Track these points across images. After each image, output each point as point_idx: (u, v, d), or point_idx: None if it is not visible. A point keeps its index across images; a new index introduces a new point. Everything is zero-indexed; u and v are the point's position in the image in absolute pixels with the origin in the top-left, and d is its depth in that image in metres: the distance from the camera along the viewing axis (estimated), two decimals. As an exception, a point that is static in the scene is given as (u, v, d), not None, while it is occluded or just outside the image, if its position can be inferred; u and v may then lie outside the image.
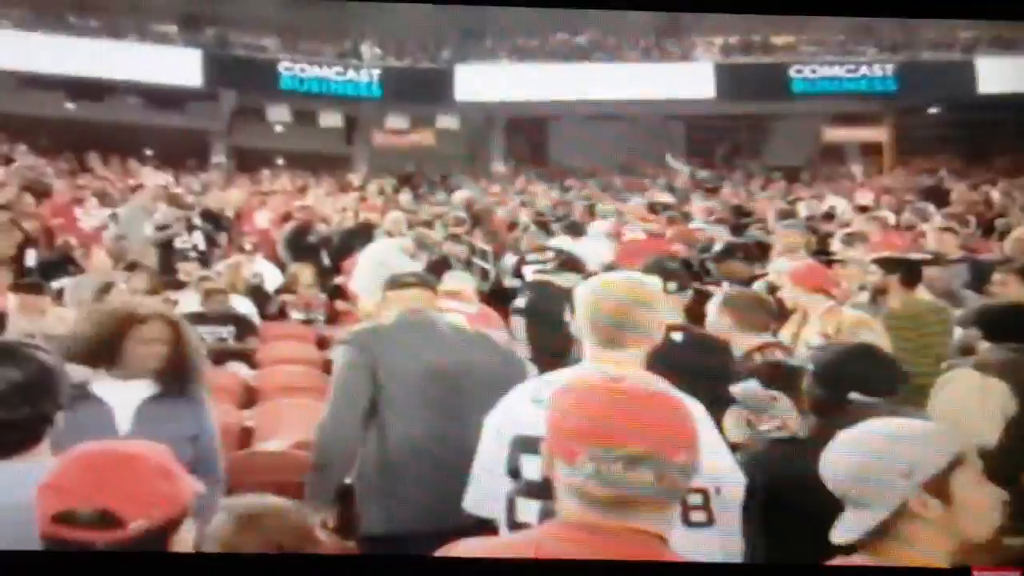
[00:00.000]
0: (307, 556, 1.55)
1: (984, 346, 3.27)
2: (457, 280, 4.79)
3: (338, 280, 7.70)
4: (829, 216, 9.42)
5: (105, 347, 2.56)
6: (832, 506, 1.68)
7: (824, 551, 1.67)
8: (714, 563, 1.37)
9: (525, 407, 2.13)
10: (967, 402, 3.02)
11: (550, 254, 7.53)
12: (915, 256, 5.17)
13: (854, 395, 2.29)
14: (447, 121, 18.45)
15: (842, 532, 1.63)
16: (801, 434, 2.36)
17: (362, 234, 8.54)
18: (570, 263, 5.35)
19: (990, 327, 3.30)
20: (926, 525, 1.58)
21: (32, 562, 1.47)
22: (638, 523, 1.33)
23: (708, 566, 1.37)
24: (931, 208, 8.97)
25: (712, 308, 3.55)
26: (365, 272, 6.51)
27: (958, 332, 3.69)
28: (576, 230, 8.41)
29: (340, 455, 2.94)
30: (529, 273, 5.97)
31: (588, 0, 9.13)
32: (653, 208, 9.97)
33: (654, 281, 2.28)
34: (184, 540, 1.48)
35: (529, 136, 19.91)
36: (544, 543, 1.37)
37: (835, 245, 6.30)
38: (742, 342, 3.40)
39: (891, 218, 8.75)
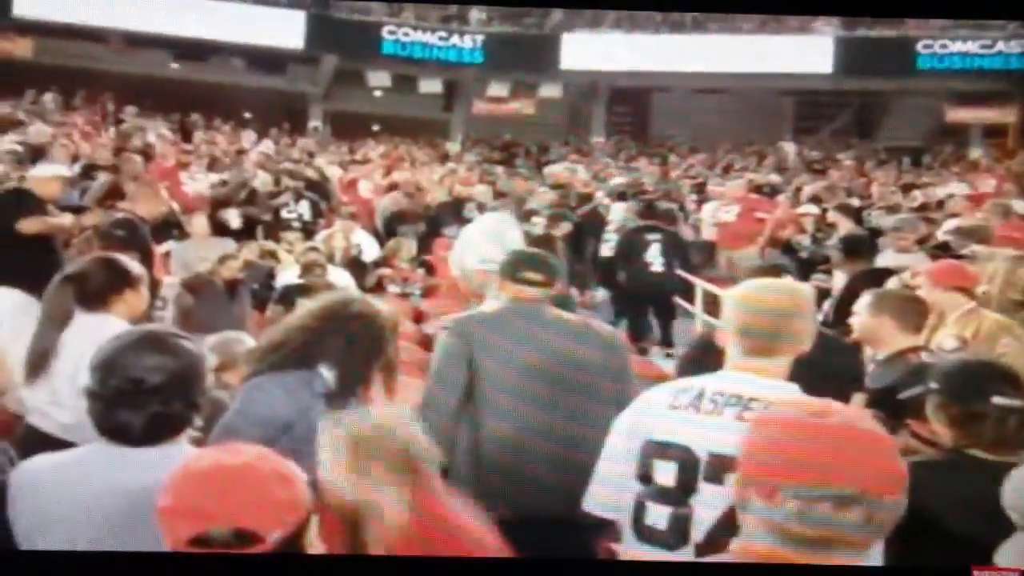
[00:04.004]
0: (308, 557, 1.52)
1: None
2: None
3: (431, 256, 7.69)
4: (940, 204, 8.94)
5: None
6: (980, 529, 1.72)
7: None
8: (716, 563, 1.38)
9: (661, 412, 2.07)
10: None
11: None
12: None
13: (998, 399, 2.18)
14: (550, 90, 18.29)
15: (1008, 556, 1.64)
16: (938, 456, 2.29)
17: (452, 209, 8.50)
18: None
19: None
20: None
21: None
22: (836, 559, 1.31)
23: (710, 566, 1.39)
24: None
25: (863, 308, 3.36)
26: (475, 245, 6.45)
27: None
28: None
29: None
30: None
31: (604, 1, 9.00)
32: (757, 188, 9.69)
33: (807, 289, 2.26)
34: (314, 541, 1.49)
35: (632, 108, 19.61)
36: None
37: (946, 238, 5.96)
38: (889, 344, 3.23)
39: (1017, 207, 8.25)
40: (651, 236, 7.63)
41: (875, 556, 1.75)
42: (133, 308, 2.99)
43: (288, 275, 6.14)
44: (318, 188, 8.91)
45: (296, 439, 2.13)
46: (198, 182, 8.81)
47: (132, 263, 3.07)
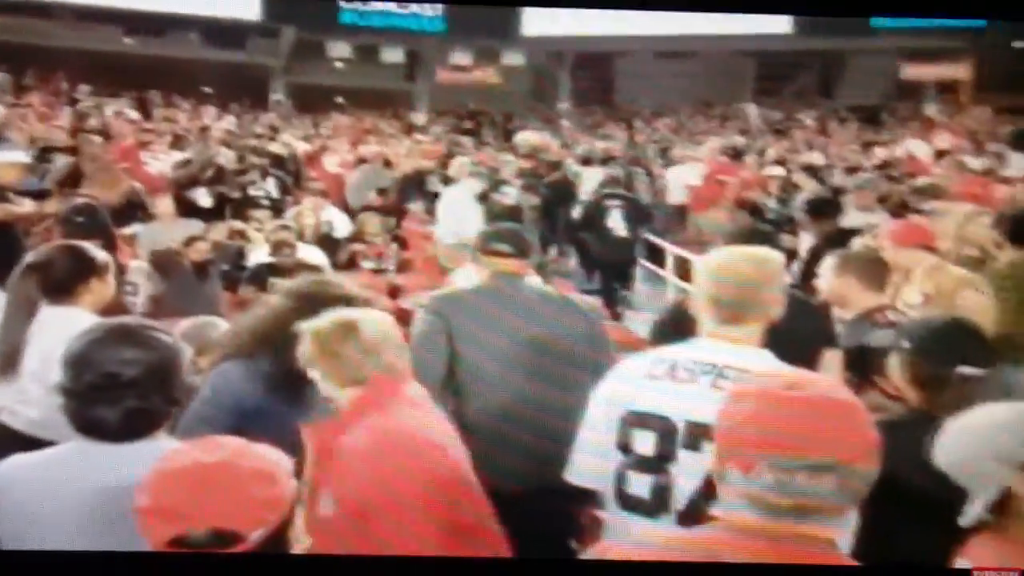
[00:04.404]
0: (308, 557, 1.55)
1: None
2: None
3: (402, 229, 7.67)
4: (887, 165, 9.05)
5: None
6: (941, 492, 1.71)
7: (934, 535, 1.71)
8: (718, 563, 1.35)
9: (639, 382, 2.10)
10: None
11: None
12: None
13: (963, 368, 2.20)
14: (512, 58, 18.17)
15: (963, 517, 1.66)
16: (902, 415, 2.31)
17: (415, 182, 8.47)
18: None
19: None
20: None
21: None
22: (811, 528, 1.33)
23: (710, 566, 1.35)
24: (1011, 152, 8.58)
25: (828, 270, 3.42)
26: (449, 217, 6.48)
27: None
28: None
29: None
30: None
31: (598, 1, 8.97)
32: (727, 152, 9.74)
33: (777, 257, 2.22)
34: (301, 534, 1.48)
35: (596, 74, 19.55)
36: (718, 551, 1.36)
37: (907, 197, 6.06)
38: (856, 303, 3.29)
39: (970, 163, 8.39)
40: (613, 202, 7.67)
41: (850, 521, 1.80)
42: (100, 297, 2.90)
43: (259, 254, 6.10)
44: (284, 164, 8.81)
45: (268, 425, 2.09)
46: (161, 161, 8.65)
47: (97, 250, 2.97)
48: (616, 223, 7.55)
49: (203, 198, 7.42)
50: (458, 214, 6.92)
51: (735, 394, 1.44)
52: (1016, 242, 4.22)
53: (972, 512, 1.63)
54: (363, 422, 2.02)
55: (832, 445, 1.30)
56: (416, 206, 8.32)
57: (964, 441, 1.68)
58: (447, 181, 8.28)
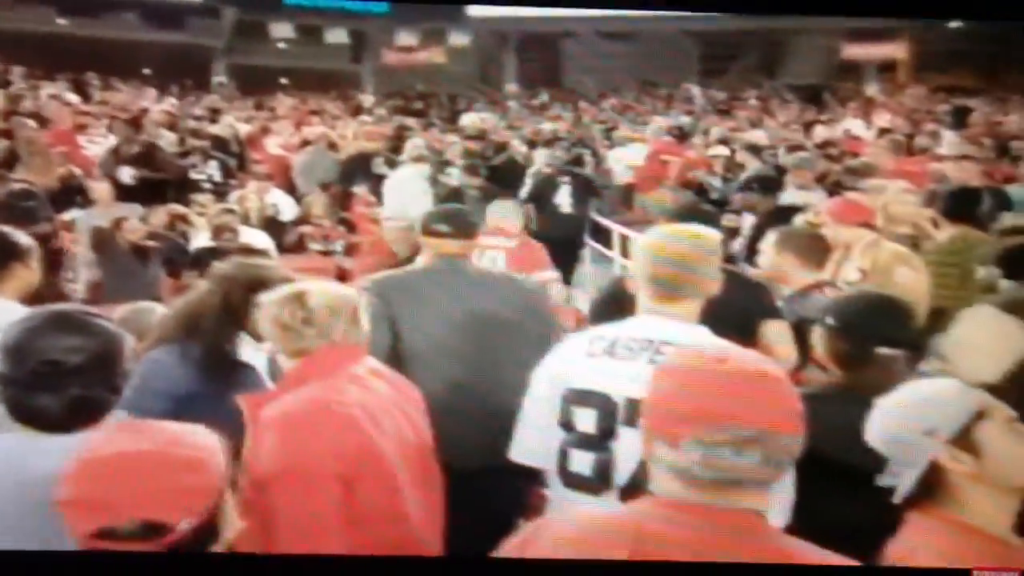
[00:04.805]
0: (303, 557, 1.54)
1: (1005, 284, 3.26)
2: (500, 213, 4.67)
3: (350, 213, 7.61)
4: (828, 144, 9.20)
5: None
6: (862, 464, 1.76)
7: (851, 507, 1.77)
8: (716, 564, 1.34)
9: (578, 360, 2.12)
10: (976, 339, 2.93)
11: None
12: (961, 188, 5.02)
13: (882, 349, 2.24)
14: (458, 38, 18.05)
15: (895, 494, 1.68)
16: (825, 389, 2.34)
17: (360, 163, 8.40)
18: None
19: (1011, 266, 3.30)
20: (966, 482, 1.61)
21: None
22: (738, 501, 1.35)
23: (709, 566, 1.33)
24: (945, 131, 8.78)
25: (768, 247, 3.48)
26: (396, 199, 6.45)
27: (981, 270, 3.61)
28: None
29: None
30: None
31: (588, 1, 8.97)
32: (671, 132, 9.82)
33: (714, 234, 2.26)
34: (232, 519, 1.43)
35: (541, 55, 19.53)
36: (645, 525, 1.36)
37: (842, 176, 6.17)
38: (795, 279, 3.36)
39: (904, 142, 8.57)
40: (562, 178, 7.71)
41: (782, 491, 1.82)
42: (25, 284, 2.81)
43: (201, 239, 6.01)
44: (227, 147, 8.67)
45: (204, 409, 2.06)
46: (99, 145, 8.47)
47: (19, 235, 2.87)
48: (564, 199, 7.59)
49: (125, 176, 7.25)
50: (405, 196, 6.90)
51: (659, 373, 1.44)
52: (953, 219, 4.34)
53: (903, 487, 1.65)
54: (289, 393, 2.02)
55: (756, 416, 1.32)
56: (361, 188, 8.26)
57: (893, 417, 1.69)
58: (392, 164, 8.23)
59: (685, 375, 1.39)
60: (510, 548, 1.47)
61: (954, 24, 18.10)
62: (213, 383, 2.33)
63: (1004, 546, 1.60)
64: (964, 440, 1.61)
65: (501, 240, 4.32)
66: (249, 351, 2.47)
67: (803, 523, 1.83)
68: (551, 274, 4.63)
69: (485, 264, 4.21)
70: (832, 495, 1.99)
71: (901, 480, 1.66)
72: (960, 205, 4.38)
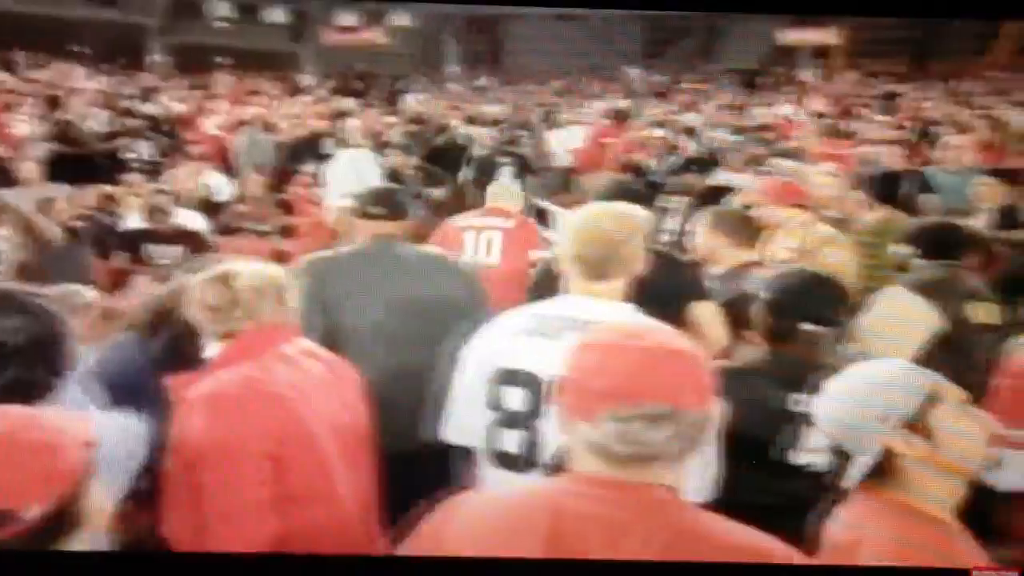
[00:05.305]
0: (299, 557, 1.51)
1: (917, 263, 3.36)
2: (498, 193, 4.65)
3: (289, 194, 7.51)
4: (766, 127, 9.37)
5: None
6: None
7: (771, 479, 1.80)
8: (717, 563, 1.34)
9: (507, 340, 2.14)
10: (890, 319, 3.02)
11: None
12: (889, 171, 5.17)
13: (806, 326, 2.30)
14: (400, 18, 17.86)
15: (845, 478, 1.67)
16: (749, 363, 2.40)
17: (308, 145, 8.31)
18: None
19: (922, 245, 3.39)
20: (916, 465, 1.61)
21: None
22: (653, 476, 1.36)
23: (713, 566, 1.34)
24: (873, 116, 9.00)
25: (700, 227, 3.53)
26: (339, 180, 6.39)
27: (894, 249, 3.71)
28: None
29: None
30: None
31: (585, 1, 8.97)
32: (610, 115, 9.87)
33: (639, 213, 2.28)
34: (99, 505, 1.37)
35: (484, 37, 19.45)
36: (562, 501, 1.38)
37: (772, 160, 6.30)
38: (726, 260, 3.41)
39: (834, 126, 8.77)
40: (504, 159, 7.71)
41: (708, 461, 1.87)
42: None
43: (133, 219, 5.90)
44: (160, 127, 8.50)
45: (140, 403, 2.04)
46: (26, 124, 8.26)
47: None
48: (506, 180, 7.59)
49: (38, 151, 7.06)
50: (348, 177, 6.83)
51: (575, 348, 1.44)
52: (879, 201, 4.48)
53: (855, 473, 1.64)
54: (216, 373, 2.01)
55: (667, 392, 1.33)
56: (310, 168, 8.16)
57: (844, 403, 1.68)
58: (343, 144, 8.14)
59: (600, 352, 1.40)
60: (426, 528, 1.47)
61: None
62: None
63: (947, 528, 1.61)
64: (917, 423, 1.61)
65: (499, 220, 4.31)
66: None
67: (730, 497, 1.87)
68: (544, 254, 4.64)
69: (482, 244, 4.21)
70: (757, 469, 2.06)
71: (852, 465, 1.65)
72: (885, 188, 4.52)
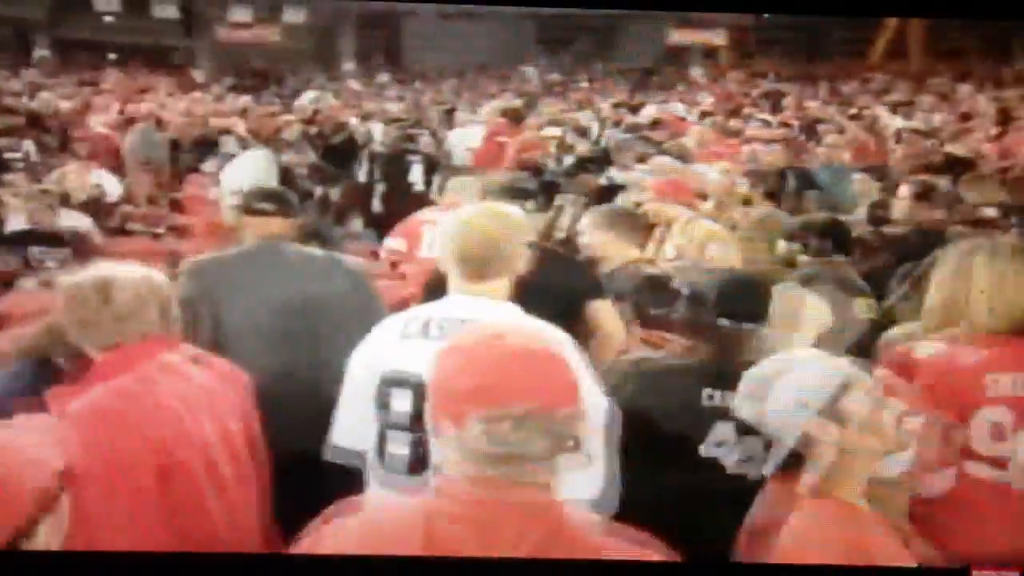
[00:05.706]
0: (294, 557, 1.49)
1: (803, 259, 3.48)
2: (458, 188, 4.59)
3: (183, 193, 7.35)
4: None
5: None
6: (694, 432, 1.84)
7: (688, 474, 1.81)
8: (715, 564, 1.43)
9: (394, 343, 2.16)
10: (783, 315, 3.12)
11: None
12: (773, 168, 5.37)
13: (723, 321, 2.36)
14: (293, 15, 17.56)
15: (765, 466, 1.73)
16: (669, 360, 2.44)
17: (207, 143, 8.15)
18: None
19: (808, 240, 3.50)
20: (832, 451, 1.66)
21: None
22: (527, 476, 1.38)
23: (705, 566, 1.42)
24: (759, 115, 9.31)
25: (589, 225, 3.57)
26: (234, 179, 6.27)
27: (781, 245, 3.83)
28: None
29: None
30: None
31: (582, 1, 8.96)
32: (506, 114, 9.94)
33: (517, 212, 2.32)
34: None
35: (381, 34, 19.28)
36: (435, 505, 1.40)
37: (659, 158, 6.48)
38: (616, 257, 3.47)
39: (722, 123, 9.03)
40: (413, 157, 7.70)
41: (595, 459, 1.89)
42: None
43: (16, 221, 5.68)
44: (45, 124, 8.19)
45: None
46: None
47: None
48: (417, 178, 7.58)
49: None
50: (244, 176, 6.72)
51: (442, 353, 1.46)
52: (764, 197, 4.67)
53: (773, 460, 1.68)
54: (98, 386, 1.97)
55: (532, 393, 1.35)
56: (209, 167, 7.98)
57: (763, 391, 1.72)
58: (244, 143, 7.99)
59: (464, 355, 1.42)
60: (303, 546, 1.48)
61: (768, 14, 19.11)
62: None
63: (859, 512, 1.66)
64: (832, 410, 1.66)
65: None
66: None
67: (637, 493, 1.92)
68: None
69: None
70: (670, 464, 2.09)
71: (772, 453, 1.69)
72: (771, 185, 4.71)
